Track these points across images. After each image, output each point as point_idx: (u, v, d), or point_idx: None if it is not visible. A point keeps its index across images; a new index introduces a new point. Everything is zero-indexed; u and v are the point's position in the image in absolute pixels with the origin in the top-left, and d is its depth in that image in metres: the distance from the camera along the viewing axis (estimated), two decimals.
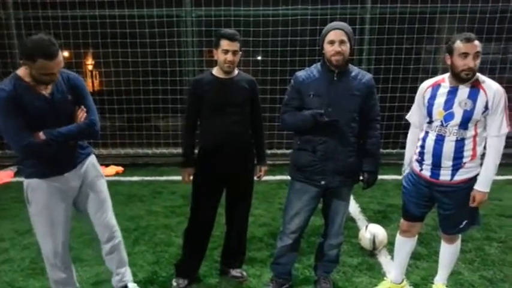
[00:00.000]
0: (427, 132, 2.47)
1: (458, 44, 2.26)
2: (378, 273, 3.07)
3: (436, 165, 2.43)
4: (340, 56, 2.40)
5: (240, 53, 2.71)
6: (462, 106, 2.32)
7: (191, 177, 2.86)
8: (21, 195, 4.61)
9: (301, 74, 2.59)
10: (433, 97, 2.44)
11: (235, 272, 3.02)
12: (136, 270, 3.09)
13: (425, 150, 2.46)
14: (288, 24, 5.59)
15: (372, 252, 3.34)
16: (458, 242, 2.69)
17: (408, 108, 2.70)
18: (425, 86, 2.52)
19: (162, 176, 5.55)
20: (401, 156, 2.78)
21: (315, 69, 2.56)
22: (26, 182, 2.32)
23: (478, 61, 2.28)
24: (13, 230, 3.86)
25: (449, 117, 2.36)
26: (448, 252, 2.70)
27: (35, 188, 2.30)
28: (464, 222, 2.53)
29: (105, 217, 2.55)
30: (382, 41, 5.75)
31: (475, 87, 2.32)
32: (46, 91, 2.21)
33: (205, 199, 2.84)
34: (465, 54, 2.25)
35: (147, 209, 4.37)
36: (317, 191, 2.60)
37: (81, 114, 2.30)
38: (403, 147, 2.73)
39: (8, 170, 5.78)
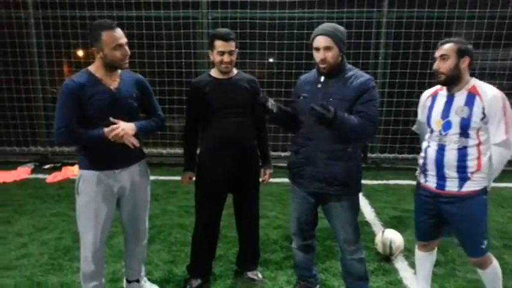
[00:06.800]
0: (428, 143, 2.42)
1: None
2: (394, 279, 3.05)
3: (441, 177, 2.35)
4: (326, 64, 2.31)
5: (237, 50, 2.63)
6: (459, 114, 2.26)
7: (192, 179, 2.84)
8: (37, 192, 4.80)
9: (303, 75, 2.58)
10: (431, 106, 2.40)
11: (250, 274, 3.02)
12: (152, 269, 3.12)
13: (427, 161, 2.40)
14: (304, 28, 5.58)
15: (388, 258, 3.32)
16: (494, 264, 2.44)
17: None
18: (426, 95, 2.51)
19: (176, 175, 5.53)
20: (417, 161, 2.74)
21: (313, 72, 2.52)
22: (79, 172, 2.39)
23: (445, 64, 2.24)
24: (31, 225, 3.93)
25: (447, 126, 2.31)
26: (485, 278, 2.49)
27: (86, 180, 2.36)
28: (484, 242, 2.35)
29: (141, 222, 2.63)
30: (399, 45, 5.72)
31: (472, 93, 2.26)
32: (113, 85, 2.32)
33: (208, 203, 2.81)
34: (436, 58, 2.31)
35: (163, 208, 4.40)
36: (303, 193, 2.53)
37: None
38: (420, 152, 2.69)
39: (25, 167, 5.88)
